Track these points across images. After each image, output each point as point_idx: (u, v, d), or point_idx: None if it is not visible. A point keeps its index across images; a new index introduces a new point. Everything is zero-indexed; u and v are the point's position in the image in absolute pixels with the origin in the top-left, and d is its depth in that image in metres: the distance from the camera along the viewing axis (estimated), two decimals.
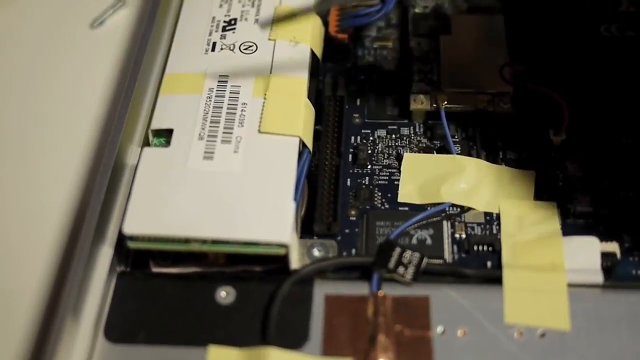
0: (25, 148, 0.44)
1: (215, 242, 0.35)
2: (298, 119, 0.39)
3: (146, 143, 0.40)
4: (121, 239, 0.37)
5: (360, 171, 0.41)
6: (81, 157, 0.43)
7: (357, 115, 0.43)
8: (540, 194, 0.39)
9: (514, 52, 0.43)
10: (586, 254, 0.37)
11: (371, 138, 0.42)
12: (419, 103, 0.42)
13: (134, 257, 0.38)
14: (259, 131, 0.38)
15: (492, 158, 0.41)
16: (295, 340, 0.34)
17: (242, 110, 0.39)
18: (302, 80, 0.41)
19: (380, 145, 0.42)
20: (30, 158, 0.44)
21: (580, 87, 0.41)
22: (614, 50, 0.42)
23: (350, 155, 0.42)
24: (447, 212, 0.39)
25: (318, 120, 0.41)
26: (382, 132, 0.43)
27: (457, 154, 0.41)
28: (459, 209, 0.39)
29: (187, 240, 0.35)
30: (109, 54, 0.49)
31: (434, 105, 0.42)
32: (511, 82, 0.42)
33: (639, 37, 0.43)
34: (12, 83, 0.48)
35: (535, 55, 0.43)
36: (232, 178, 0.37)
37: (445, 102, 0.42)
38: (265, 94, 0.40)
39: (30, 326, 0.37)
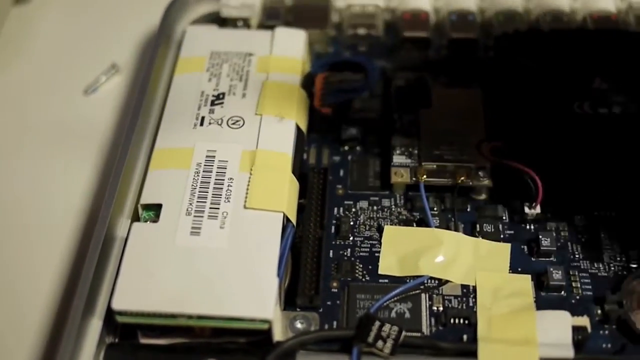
0: (15, 219, 0.46)
1: (200, 317, 0.37)
2: (282, 194, 0.40)
3: (136, 216, 0.41)
4: (110, 312, 0.38)
5: (342, 243, 0.42)
6: (71, 229, 0.45)
7: (340, 186, 0.45)
8: (515, 266, 0.41)
9: (492, 126, 0.45)
10: (558, 328, 0.38)
11: (353, 209, 0.44)
12: (400, 176, 0.44)
13: (123, 328, 0.39)
14: (245, 207, 0.40)
15: (469, 230, 0.42)
16: None
17: (228, 186, 0.41)
18: (286, 155, 0.42)
19: (362, 217, 0.43)
20: (21, 229, 0.45)
21: (554, 162, 0.43)
22: (586, 127, 0.44)
23: (333, 227, 0.43)
24: (426, 285, 0.40)
25: (302, 192, 0.43)
26: (364, 204, 0.44)
27: (436, 226, 0.42)
28: (437, 282, 0.40)
29: (173, 315, 0.37)
30: (102, 120, 0.51)
31: (414, 178, 0.44)
32: (488, 157, 0.43)
33: (610, 114, 0.44)
34: (3, 150, 0.49)
35: (511, 130, 0.44)
36: (218, 254, 0.38)
37: (425, 176, 0.43)
38: (251, 169, 0.41)
39: None
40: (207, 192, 0.40)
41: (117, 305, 0.37)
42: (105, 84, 0.53)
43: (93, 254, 0.39)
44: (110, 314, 0.38)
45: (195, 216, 0.39)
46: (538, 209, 0.42)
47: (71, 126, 0.50)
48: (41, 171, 0.48)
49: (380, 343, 0.37)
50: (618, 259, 0.41)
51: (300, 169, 0.43)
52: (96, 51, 0.55)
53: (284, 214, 0.40)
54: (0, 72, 0.53)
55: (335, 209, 0.44)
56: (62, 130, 0.50)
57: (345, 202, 0.44)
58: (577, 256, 0.41)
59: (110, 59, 0.54)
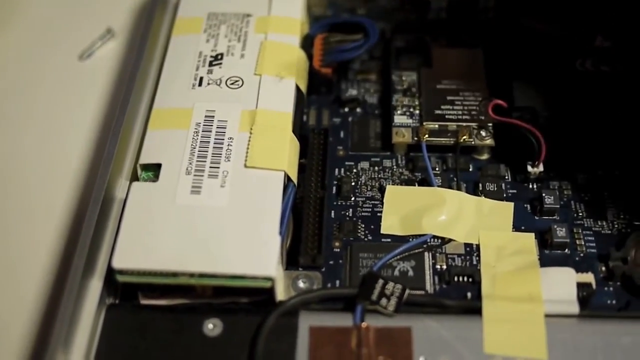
0: (14, 180, 0.45)
1: (202, 275, 0.36)
2: (283, 153, 0.40)
3: (134, 177, 0.41)
4: (110, 272, 0.38)
5: (344, 203, 0.42)
6: (70, 190, 0.44)
7: (340, 147, 0.44)
8: (519, 225, 0.41)
9: (493, 86, 0.44)
10: (563, 285, 0.38)
11: (354, 170, 0.43)
12: (401, 136, 0.43)
13: (123, 289, 0.39)
14: (245, 166, 0.39)
15: (471, 190, 0.42)
16: None
17: (228, 145, 0.40)
18: (287, 114, 0.42)
19: (363, 178, 0.43)
20: (19, 190, 0.44)
21: (557, 120, 0.42)
22: (589, 84, 0.43)
23: (334, 188, 0.42)
24: (429, 244, 0.40)
25: (303, 153, 0.42)
26: (365, 165, 0.44)
27: (438, 186, 0.42)
28: (439, 240, 0.40)
29: (175, 274, 0.36)
30: (97, 86, 0.50)
31: (415, 138, 0.43)
32: (490, 116, 0.43)
33: (612, 72, 0.44)
34: (1, 113, 0.48)
35: (513, 88, 0.44)
36: (219, 212, 0.38)
37: (426, 136, 0.43)
38: (251, 129, 0.41)
39: (21, 358, 0.38)
40: (207, 152, 0.40)
41: (117, 263, 0.36)
42: (101, 49, 0.52)
43: (92, 214, 0.38)
44: (110, 274, 0.38)
45: (195, 175, 0.39)
46: (541, 168, 0.42)
47: (66, 91, 0.50)
48: (38, 134, 0.47)
49: (384, 301, 0.37)
50: (622, 216, 0.41)
51: (300, 130, 0.43)
52: (91, 16, 0.54)
53: (285, 173, 0.39)
54: None
55: (337, 170, 0.43)
56: (58, 95, 0.49)
57: (347, 163, 0.44)
58: (580, 214, 0.41)
59: (106, 24, 0.53)
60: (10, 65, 0.51)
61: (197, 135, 0.41)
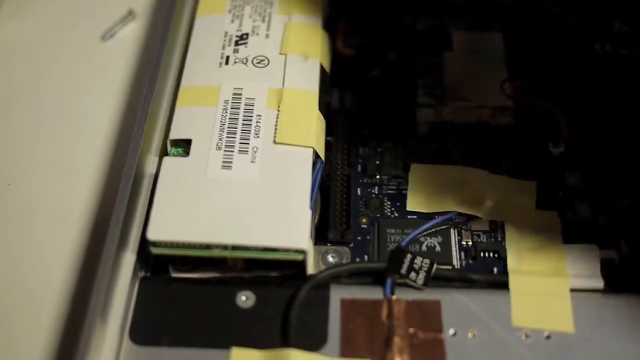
0: (46, 159, 0.45)
1: (235, 248, 0.37)
2: (311, 130, 0.41)
3: (163, 153, 0.41)
4: (143, 245, 0.38)
5: (369, 181, 0.43)
6: (100, 167, 0.45)
7: (364, 127, 0.45)
8: (541, 204, 0.41)
9: (514, 68, 0.45)
10: (587, 261, 0.38)
11: (379, 149, 0.44)
12: (425, 116, 0.44)
13: (154, 263, 0.39)
14: (274, 142, 0.40)
15: (494, 169, 0.43)
16: (314, 342, 0.36)
17: (257, 122, 0.41)
18: (313, 93, 0.42)
19: (388, 156, 0.44)
20: (52, 168, 0.45)
21: (577, 101, 0.43)
22: (608, 66, 0.44)
23: (359, 166, 0.43)
24: (454, 221, 0.41)
25: (328, 131, 0.43)
26: (389, 144, 0.44)
27: (462, 164, 0.43)
28: (464, 218, 0.41)
29: (208, 246, 0.37)
30: (120, 66, 0.50)
31: (439, 117, 0.44)
32: (511, 97, 0.44)
33: (630, 55, 0.45)
34: (26, 95, 0.49)
35: (533, 71, 0.45)
36: (250, 187, 0.38)
37: (449, 115, 0.44)
38: (278, 106, 0.41)
39: (61, 328, 0.38)
40: (236, 128, 0.40)
41: (152, 235, 0.37)
42: (122, 30, 0.52)
43: (125, 189, 0.38)
44: (143, 247, 0.38)
45: (225, 151, 0.40)
46: (562, 147, 0.43)
47: (89, 72, 0.50)
48: (62, 115, 0.48)
49: (413, 274, 0.38)
50: None
51: (325, 109, 0.43)
52: None
53: (314, 150, 0.40)
54: (14, 18, 0.53)
55: (361, 149, 0.44)
56: (80, 76, 0.50)
57: (371, 142, 0.44)
58: (604, 191, 0.42)
59: (127, 6, 0.53)
60: (32, 46, 0.51)
61: (226, 112, 0.41)
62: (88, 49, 0.51)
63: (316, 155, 0.40)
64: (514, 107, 0.44)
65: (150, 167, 0.41)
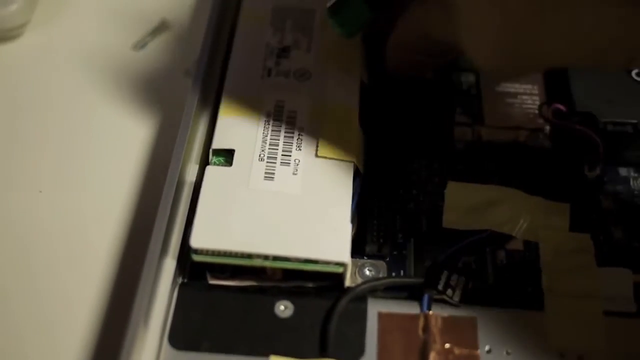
0: (81, 165, 0.46)
1: (276, 258, 0.37)
2: (352, 145, 0.41)
3: (204, 162, 0.42)
4: (182, 251, 0.39)
5: (406, 196, 0.43)
6: (134, 177, 0.45)
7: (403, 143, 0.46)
8: (575, 226, 0.42)
9: (551, 90, 0.46)
10: (619, 284, 0.39)
11: (415, 165, 0.44)
12: (462, 135, 0.45)
13: (191, 270, 0.40)
14: (317, 155, 0.41)
15: (529, 190, 0.43)
16: (351, 354, 0.37)
17: (299, 135, 0.41)
18: (354, 107, 0.43)
19: (425, 173, 0.44)
20: (89, 175, 0.46)
21: (615, 124, 0.44)
22: None
23: (397, 181, 0.44)
24: (489, 239, 0.41)
25: (369, 144, 0.43)
26: (427, 160, 0.45)
27: (497, 184, 0.43)
28: (499, 236, 0.41)
29: (250, 256, 0.37)
30: (153, 75, 0.51)
31: (476, 136, 0.44)
32: (549, 120, 0.44)
33: None
34: (59, 102, 0.49)
35: (572, 92, 0.45)
36: (292, 198, 0.39)
37: (487, 135, 0.44)
38: (320, 120, 0.42)
39: (102, 333, 0.39)
40: (279, 140, 0.41)
41: (195, 243, 0.37)
42: (154, 41, 0.53)
43: (168, 196, 0.39)
44: (182, 254, 0.39)
45: (268, 162, 0.40)
46: (598, 170, 0.43)
47: (122, 81, 0.50)
48: (98, 121, 0.48)
49: (450, 291, 0.38)
50: None
51: (367, 122, 0.44)
52: (145, 6, 0.55)
53: (355, 164, 0.41)
54: (46, 26, 0.53)
55: (399, 163, 0.44)
56: (113, 84, 0.50)
57: (409, 157, 0.45)
58: (637, 216, 0.42)
59: (160, 15, 0.54)
60: (63, 55, 0.52)
61: (269, 124, 0.42)
62: (119, 58, 0.52)
63: (356, 169, 0.41)
64: (551, 130, 0.44)
65: (190, 175, 0.42)
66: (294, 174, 0.40)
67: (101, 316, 0.39)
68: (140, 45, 0.52)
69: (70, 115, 0.48)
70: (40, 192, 0.45)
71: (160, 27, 0.53)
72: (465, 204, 0.42)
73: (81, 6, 0.55)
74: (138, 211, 0.44)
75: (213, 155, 0.41)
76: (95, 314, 0.40)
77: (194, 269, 0.40)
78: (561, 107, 0.44)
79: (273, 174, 0.40)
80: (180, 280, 0.39)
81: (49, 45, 0.52)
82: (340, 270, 0.37)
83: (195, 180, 0.42)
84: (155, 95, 0.49)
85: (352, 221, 0.39)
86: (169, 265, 0.38)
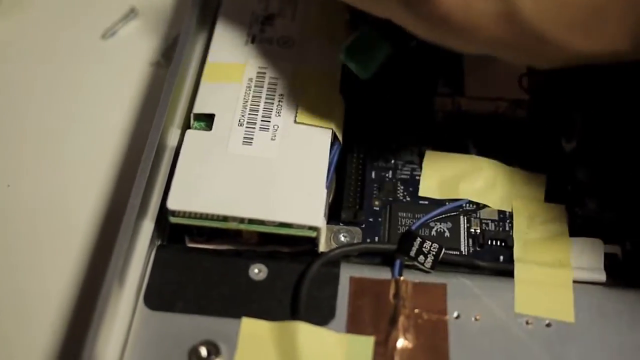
0: (52, 154, 0.47)
1: (252, 221, 0.38)
2: (331, 112, 0.42)
3: (186, 126, 0.42)
4: (161, 214, 0.39)
5: (384, 165, 0.44)
6: (119, 143, 0.46)
7: (383, 112, 0.46)
8: (550, 197, 0.42)
9: None
10: (591, 254, 0.40)
11: (395, 133, 0.45)
12: (442, 104, 0.45)
13: (171, 232, 0.41)
14: (295, 121, 0.41)
15: (506, 160, 0.44)
16: (322, 317, 0.37)
17: (279, 101, 0.42)
18: (335, 75, 0.43)
19: (403, 141, 0.45)
20: (64, 154, 0.46)
21: (593, 98, 0.44)
22: (626, 66, 0.45)
23: (375, 149, 0.44)
24: (464, 208, 0.42)
25: (349, 112, 0.44)
26: (406, 129, 0.45)
27: (475, 154, 0.44)
28: (474, 206, 0.42)
29: (225, 219, 0.38)
30: (124, 63, 0.51)
31: (456, 107, 0.45)
32: (528, 91, 0.45)
33: None
34: (27, 92, 0.49)
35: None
36: (270, 163, 0.39)
37: (467, 106, 0.45)
38: (301, 87, 0.42)
39: (81, 289, 0.40)
40: (259, 106, 0.42)
41: (172, 205, 0.38)
42: (124, 28, 0.53)
43: (147, 158, 0.40)
44: (161, 216, 0.39)
45: (247, 127, 0.41)
46: (575, 143, 0.44)
47: (93, 70, 0.51)
48: (72, 111, 0.49)
49: (421, 257, 0.39)
50: None
51: (347, 89, 0.44)
52: None
53: (333, 131, 0.41)
54: (12, 14, 0.53)
55: (378, 132, 0.45)
56: (84, 74, 0.50)
57: (388, 126, 0.45)
58: (612, 188, 0.43)
59: (129, 3, 0.53)
60: (31, 44, 0.51)
61: (250, 90, 0.42)
62: (89, 48, 0.51)
63: (334, 136, 0.41)
64: (530, 101, 0.45)
65: (172, 140, 0.42)
66: (272, 139, 0.40)
67: (79, 284, 0.40)
68: (110, 33, 0.52)
69: (41, 105, 0.49)
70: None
71: (129, 15, 0.53)
72: (442, 174, 0.43)
73: None
74: (116, 194, 0.44)
75: (194, 119, 0.42)
76: (73, 284, 0.40)
77: (174, 232, 0.40)
78: (539, 78, 0.44)
79: (252, 139, 0.40)
80: (158, 242, 0.40)
81: (15, 34, 0.52)
82: (313, 234, 0.38)
83: (177, 145, 0.42)
84: (126, 83, 0.50)
85: (329, 187, 0.40)
86: (147, 227, 0.39)
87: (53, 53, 0.51)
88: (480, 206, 0.42)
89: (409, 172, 0.43)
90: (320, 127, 0.41)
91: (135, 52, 0.51)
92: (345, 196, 0.42)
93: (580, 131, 0.43)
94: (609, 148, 0.44)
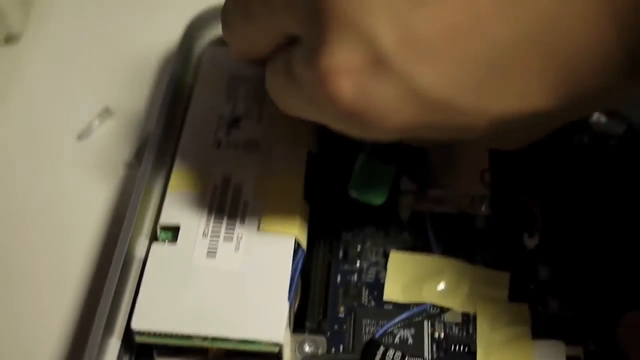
0: (31, 238, 0.48)
1: (215, 339, 0.39)
2: (295, 219, 0.42)
3: (155, 236, 0.43)
4: (128, 331, 0.40)
5: (350, 268, 0.44)
6: (88, 250, 0.47)
7: (349, 208, 0.47)
8: (514, 296, 0.43)
9: (495, 156, 0.47)
10: (553, 357, 0.40)
11: (361, 234, 0.46)
12: (406, 203, 0.46)
13: (139, 348, 0.41)
14: (258, 230, 0.42)
15: (470, 258, 0.44)
16: None
17: (243, 209, 0.43)
18: (299, 179, 0.44)
19: (369, 242, 0.45)
20: (39, 246, 0.47)
21: (554, 193, 0.45)
22: (585, 159, 0.46)
23: (341, 251, 0.45)
24: (428, 312, 0.42)
25: (314, 215, 0.45)
26: (371, 228, 0.46)
27: (439, 253, 0.44)
28: (438, 309, 0.42)
29: (189, 337, 0.39)
30: (102, 162, 0.52)
31: (419, 205, 0.46)
32: (490, 187, 0.45)
33: (608, 146, 0.46)
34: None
35: (513, 161, 0.46)
36: (232, 276, 0.40)
37: (429, 204, 0.45)
38: (265, 193, 0.43)
39: None
40: (224, 215, 0.42)
41: (136, 325, 0.39)
42: (99, 128, 0.53)
43: (113, 276, 0.40)
44: (128, 333, 0.40)
45: (211, 238, 0.41)
46: (537, 239, 0.44)
47: (69, 171, 0.51)
48: (57, 195, 0.49)
49: None
50: (615, 289, 0.43)
51: (313, 193, 0.45)
52: (88, 95, 0.55)
53: (296, 238, 0.42)
54: None
55: (344, 233, 0.46)
56: (61, 176, 0.51)
57: (354, 226, 0.46)
58: (574, 286, 0.43)
59: (103, 102, 0.54)
60: (5, 146, 0.52)
61: (215, 198, 0.43)
62: (66, 149, 0.52)
63: (298, 243, 0.42)
64: (491, 197, 0.45)
65: (140, 251, 0.43)
66: (235, 250, 0.41)
67: None
68: (86, 134, 0.53)
69: (17, 208, 0.49)
70: None
71: (104, 115, 0.54)
72: (407, 276, 0.44)
73: (25, 97, 0.55)
74: (92, 286, 0.45)
75: (161, 230, 0.43)
76: None
77: (142, 348, 0.41)
78: (500, 174, 0.45)
79: (215, 250, 0.41)
80: (126, 358, 0.41)
81: None
82: (276, 350, 0.39)
83: (145, 256, 0.43)
84: (102, 186, 0.50)
85: (292, 297, 0.41)
86: (113, 345, 0.40)
87: (30, 156, 0.52)
88: (444, 309, 0.42)
89: (374, 275, 0.44)
90: (284, 234, 0.42)
91: (110, 152, 0.52)
92: (310, 304, 0.42)
93: (541, 227, 0.44)
94: (570, 245, 0.44)
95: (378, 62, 0.31)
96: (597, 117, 0.48)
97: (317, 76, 0.33)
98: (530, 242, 0.44)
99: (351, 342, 0.41)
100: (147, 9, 0.59)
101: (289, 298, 0.40)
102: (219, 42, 0.53)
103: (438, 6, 0.31)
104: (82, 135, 0.53)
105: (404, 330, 0.42)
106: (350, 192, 0.42)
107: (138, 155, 0.51)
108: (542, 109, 0.32)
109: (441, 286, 0.43)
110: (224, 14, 0.40)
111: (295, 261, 0.41)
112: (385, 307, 0.43)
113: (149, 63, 0.56)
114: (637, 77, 0.33)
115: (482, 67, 0.31)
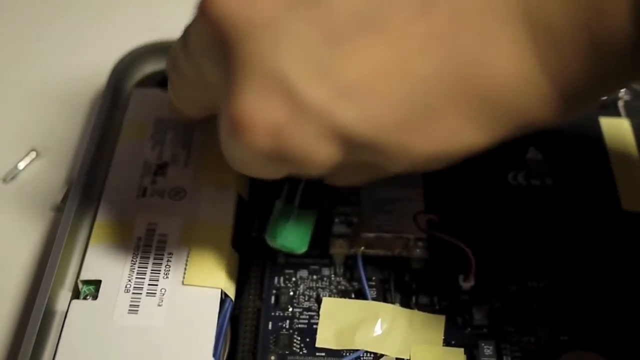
0: None
1: None
2: (221, 270, 0.41)
3: (77, 289, 0.42)
4: None
5: (281, 314, 0.43)
6: (10, 303, 0.45)
7: (281, 254, 0.45)
8: (449, 340, 0.42)
9: (430, 198, 0.46)
10: None
11: (293, 279, 0.44)
12: (339, 247, 0.45)
13: None
14: (183, 283, 0.41)
15: (405, 301, 0.43)
16: None
17: (168, 261, 0.41)
18: (227, 227, 0.43)
19: (302, 287, 0.44)
20: None
21: (488, 233, 0.44)
22: (520, 198, 0.45)
23: (272, 297, 0.44)
24: (362, 359, 0.41)
25: (244, 262, 0.43)
26: (304, 273, 0.45)
27: (373, 297, 0.43)
28: (372, 355, 0.41)
29: None
30: (27, 206, 0.50)
31: (352, 249, 0.44)
32: (425, 230, 0.44)
33: (542, 185, 0.46)
34: None
35: (448, 202, 0.45)
36: (155, 333, 0.39)
37: (362, 247, 0.44)
38: (190, 243, 0.42)
39: None
40: (147, 269, 0.41)
41: None
42: (25, 170, 0.52)
43: (31, 333, 0.39)
44: None
45: (133, 293, 0.40)
46: (472, 281, 0.43)
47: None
48: None
49: None
50: (550, 331, 0.42)
51: (243, 238, 0.44)
52: (14, 137, 0.54)
53: (222, 289, 0.40)
54: None
55: (276, 278, 0.44)
56: None
57: (286, 271, 0.45)
58: (509, 329, 0.42)
59: (29, 144, 0.53)
60: None
61: (138, 250, 0.42)
62: None
63: (225, 294, 0.41)
64: (427, 240, 0.44)
65: (62, 305, 0.42)
66: (159, 305, 0.40)
67: None
68: (10, 177, 0.52)
69: None
70: None
71: (30, 156, 0.52)
72: (340, 322, 0.42)
73: None
74: (13, 341, 0.43)
75: (83, 285, 0.41)
76: None
77: None
78: (434, 217, 0.44)
79: (138, 306, 0.40)
80: None
81: None
82: None
83: (67, 311, 0.41)
84: (27, 232, 0.49)
85: (220, 351, 0.39)
86: None
87: None
88: (378, 355, 0.41)
89: (306, 321, 0.43)
90: (209, 287, 0.40)
91: (36, 196, 0.51)
92: (239, 354, 0.41)
93: (476, 270, 0.43)
94: (505, 287, 0.44)
95: (295, 104, 0.31)
96: (534, 153, 0.47)
97: (232, 125, 0.32)
98: (465, 285, 0.43)
99: None
100: (77, 47, 0.59)
101: (214, 354, 0.38)
102: (147, 82, 0.52)
103: (357, 47, 0.30)
104: (6, 178, 0.51)
105: None
106: (267, 241, 0.41)
107: (65, 199, 0.49)
108: (473, 145, 0.32)
109: (375, 332, 0.42)
110: (167, 74, 0.40)
111: (223, 313, 0.40)
112: (318, 354, 0.41)
113: (79, 101, 0.55)
114: (571, 115, 0.32)
115: (406, 105, 0.30)
